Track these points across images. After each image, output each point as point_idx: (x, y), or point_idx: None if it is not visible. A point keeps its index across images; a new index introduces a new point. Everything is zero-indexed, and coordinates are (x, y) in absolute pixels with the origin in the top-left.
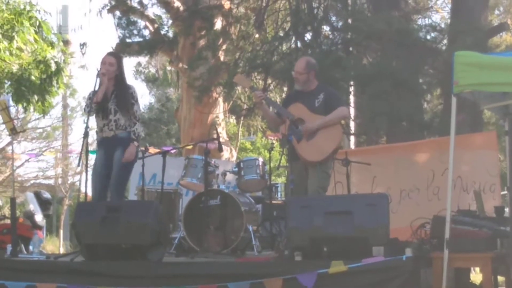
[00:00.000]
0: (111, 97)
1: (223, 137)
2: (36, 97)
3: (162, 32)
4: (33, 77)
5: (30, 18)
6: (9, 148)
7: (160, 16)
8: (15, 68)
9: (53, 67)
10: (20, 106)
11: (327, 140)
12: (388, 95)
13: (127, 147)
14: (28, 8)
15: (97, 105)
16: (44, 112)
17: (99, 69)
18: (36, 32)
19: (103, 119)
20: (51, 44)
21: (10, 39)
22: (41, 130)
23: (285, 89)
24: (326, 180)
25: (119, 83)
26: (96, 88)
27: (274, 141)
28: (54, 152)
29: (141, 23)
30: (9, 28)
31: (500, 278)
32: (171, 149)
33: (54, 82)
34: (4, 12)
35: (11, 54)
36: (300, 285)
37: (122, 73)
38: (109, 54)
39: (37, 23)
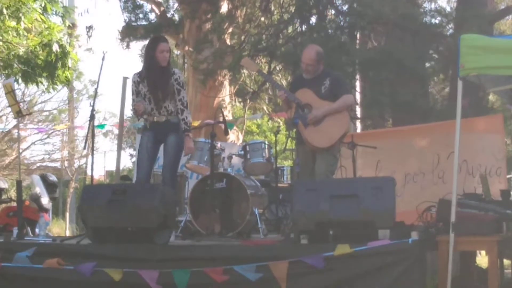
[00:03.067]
0: (158, 83)
1: (229, 120)
2: (45, 75)
3: (168, 15)
4: (39, 59)
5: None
6: (15, 130)
7: None
8: (21, 51)
9: (59, 50)
10: (29, 86)
11: (335, 126)
12: (393, 80)
13: (179, 132)
14: None
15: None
16: (54, 88)
17: (156, 57)
18: (42, 13)
19: (150, 103)
20: (62, 17)
21: (18, 19)
22: (47, 113)
23: (290, 72)
24: (334, 163)
25: (167, 70)
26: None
27: (280, 124)
28: (64, 125)
29: (147, 6)
30: (15, 10)
31: (506, 262)
32: None
33: (59, 65)
34: None
35: (18, 35)
36: (306, 268)
37: (170, 59)
38: (164, 40)
39: (43, 4)
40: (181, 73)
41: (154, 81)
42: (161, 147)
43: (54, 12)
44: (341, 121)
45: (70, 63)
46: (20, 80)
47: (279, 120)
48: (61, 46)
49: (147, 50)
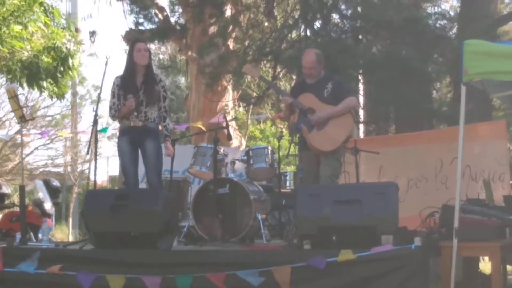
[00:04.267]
0: (141, 88)
1: (232, 125)
2: (46, 82)
3: (172, 20)
4: (43, 62)
5: (41, 4)
6: (18, 135)
7: (173, 1)
8: (25, 55)
9: (65, 52)
10: (34, 89)
11: (338, 130)
12: (397, 83)
13: (157, 137)
14: None
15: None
16: (60, 95)
17: (133, 57)
18: (46, 16)
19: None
20: (63, 28)
21: (24, 26)
22: (50, 118)
23: (294, 77)
24: (338, 167)
25: (149, 74)
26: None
27: (283, 130)
28: (66, 134)
29: (151, 10)
30: (19, 14)
31: (509, 267)
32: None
33: (65, 68)
34: None
35: (22, 40)
36: (308, 273)
37: (151, 62)
38: (141, 41)
39: (48, 9)
40: (166, 80)
41: (146, 87)
42: None
43: (55, 25)
44: (345, 124)
45: (75, 63)
46: (24, 85)
47: (281, 126)
48: (66, 49)
49: (127, 55)
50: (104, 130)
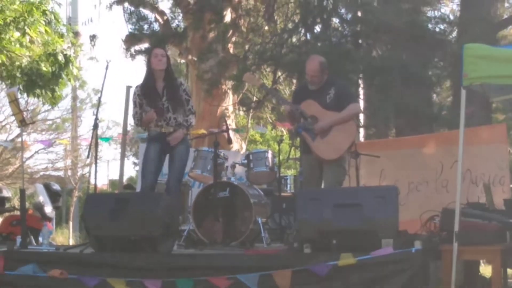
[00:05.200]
0: (163, 93)
1: (232, 129)
2: (46, 89)
3: (173, 25)
4: (43, 70)
5: (43, 12)
6: (19, 139)
7: (173, 8)
8: (25, 61)
9: (63, 60)
10: (31, 97)
11: (342, 137)
12: (397, 88)
13: (187, 143)
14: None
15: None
16: (54, 104)
17: (151, 63)
18: (47, 24)
19: (158, 115)
20: (62, 36)
21: (23, 33)
22: (50, 122)
23: (294, 81)
24: (343, 174)
25: (169, 79)
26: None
27: (283, 133)
28: (67, 140)
29: (151, 16)
30: (21, 21)
31: (510, 271)
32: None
33: (64, 75)
34: (16, 4)
35: (21, 46)
36: (309, 277)
37: (171, 67)
38: (158, 47)
39: (49, 15)
40: (185, 82)
41: (168, 92)
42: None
43: (55, 29)
44: (348, 131)
45: (74, 70)
46: (22, 91)
47: (282, 129)
48: (65, 56)
49: (147, 62)
50: (106, 139)
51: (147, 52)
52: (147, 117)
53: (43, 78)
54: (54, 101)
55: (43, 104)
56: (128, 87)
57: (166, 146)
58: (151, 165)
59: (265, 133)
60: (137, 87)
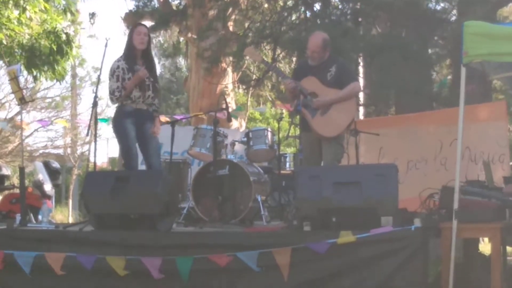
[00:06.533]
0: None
1: (232, 107)
2: (46, 67)
3: (173, 3)
4: (43, 47)
5: None
6: (18, 117)
7: None
8: (25, 38)
9: (63, 37)
10: (30, 75)
11: (341, 115)
12: (397, 66)
13: (155, 120)
14: None
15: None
16: (56, 78)
17: (132, 39)
18: (46, 1)
19: (140, 90)
20: (64, 11)
21: (23, 10)
22: (50, 100)
23: (294, 59)
24: (341, 152)
25: (149, 58)
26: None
27: (283, 111)
28: (65, 121)
29: None
30: None
31: (509, 249)
32: (183, 117)
33: (65, 53)
34: None
35: (20, 24)
36: (308, 254)
37: (150, 46)
38: (142, 24)
39: None
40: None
41: (148, 69)
42: None
43: (55, 6)
44: (348, 109)
45: (74, 50)
46: (23, 68)
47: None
48: (65, 34)
49: (128, 37)
50: (104, 120)
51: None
52: (139, 75)
53: (43, 56)
54: (57, 76)
55: (46, 80)
56: None
57: (139, 123)
58: (132, 139)
59: (264, 112)
60: (119, 61)
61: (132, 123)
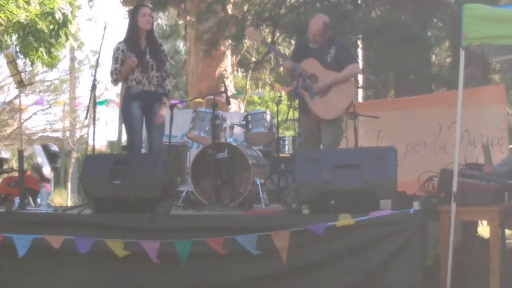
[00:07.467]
0: (146, 51)
1: (231, 90)
2: (43, 49)
3: None
4: (40, 28)
5: None
6: (17, 100)
7: None
8: (22, 18)
9: (61, 19)
10: (27, 60)
11: (341, 97)
12: (396, 48)
13: (161, 104)
14: None
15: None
16: (51, 65)
17: (137, 20)
18: None
19: (142, 72)
20: None
21: None
22: (48, 83)
23: (293, 41)
24: (340, 134)
25: (153, 38)
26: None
27: (282, 94)
28: (62, 102)
29: None
30: None
31: (508, 232)
32: (179, 102)
33: (62, 34)
34: None
35: (18, 7)
36: (307, 237)
37: (153, 29)
38: (145, 5)
39: None
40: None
41: (151, 50)
42: None
43: None
44: (347, 92)
45: (73, 30)
46: (19, 51)
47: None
48: (63, 14)
49: (131, 18)
50: (102, 103)
51: (134, 8)
52: (128, 63)
53: (41, 37)
54: (53, 62)
55: (42, 66)
56: None
57: (146, 105)
58: (138, 124)
59: (263, 96)
60: (120, 43)
61: (139, 106)
